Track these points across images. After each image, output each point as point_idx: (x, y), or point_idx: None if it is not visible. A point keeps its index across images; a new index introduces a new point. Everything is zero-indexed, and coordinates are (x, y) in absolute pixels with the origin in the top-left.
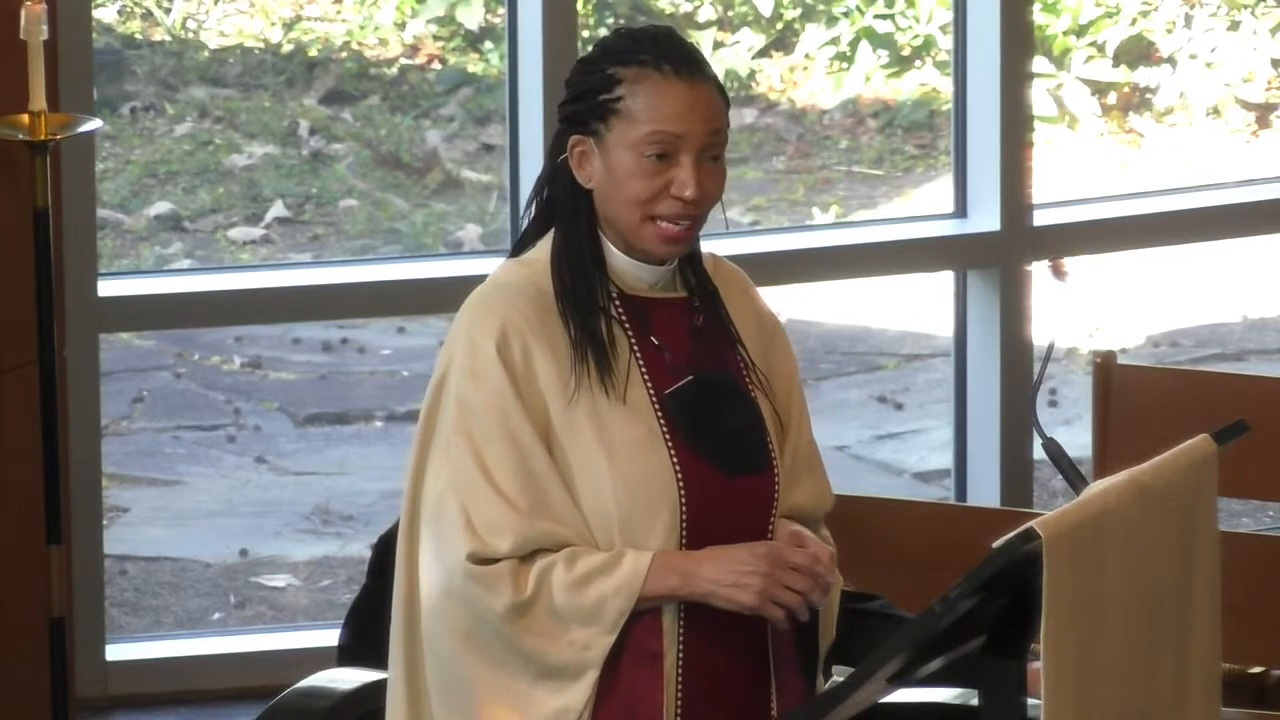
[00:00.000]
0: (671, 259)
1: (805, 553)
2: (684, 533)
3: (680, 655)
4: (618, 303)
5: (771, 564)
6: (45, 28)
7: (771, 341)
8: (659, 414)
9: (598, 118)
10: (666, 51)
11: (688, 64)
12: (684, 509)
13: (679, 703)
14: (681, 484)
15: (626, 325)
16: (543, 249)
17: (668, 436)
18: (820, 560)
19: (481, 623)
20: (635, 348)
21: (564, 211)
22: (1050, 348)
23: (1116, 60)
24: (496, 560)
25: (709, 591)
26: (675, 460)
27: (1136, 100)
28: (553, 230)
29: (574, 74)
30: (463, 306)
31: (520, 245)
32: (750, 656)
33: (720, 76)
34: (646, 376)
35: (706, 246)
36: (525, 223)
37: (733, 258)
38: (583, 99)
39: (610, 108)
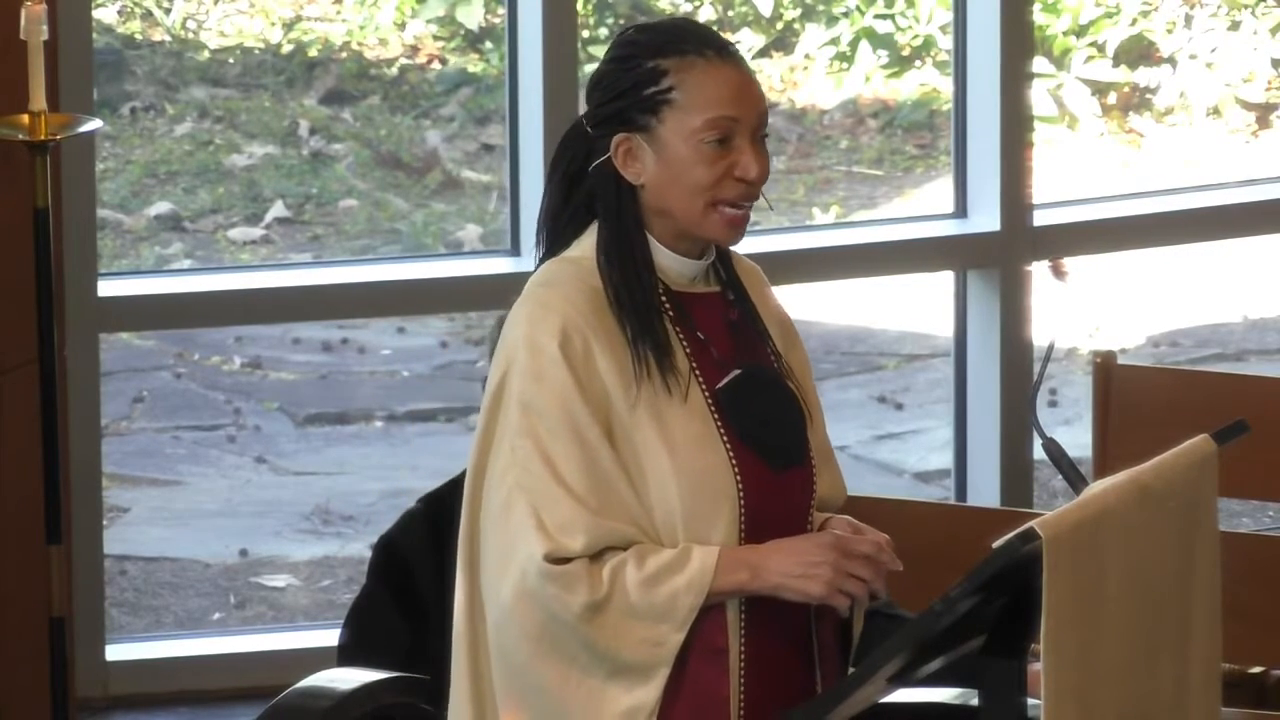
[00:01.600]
0: (732, 244)
1: (869, 541)
2: (743, 527)
3: (742, 648)
4: (664, 299)
5: (839, 554)
6: (45, 28)
7: (788, 334)
8: (712, 409)
9: (647, 111)
10: (705, 38)
11: (727, 47)
12: (743, 504)
13: (741, 695)
14: (739, 479)
15: (675, 322)
16: (582, 247)
17: (723, 432)
18: (883, 548)
19: (557, 622)
20: (685, 343)
21: (609, 211)
22: (1050, 348)
23: (1116, 60)
24: (569, 560)
25: (778, 584)
26: (731, 455)
27: (1136, 100)
28: (594, 228)
29: (607, 74)
30: (515, 310)
31: (553, 244)
32: (799, 645)
33: None
34: (698, 372)
35: None
36: (543, 226)
37: None
38: (626, 96)
39: (662, 99)
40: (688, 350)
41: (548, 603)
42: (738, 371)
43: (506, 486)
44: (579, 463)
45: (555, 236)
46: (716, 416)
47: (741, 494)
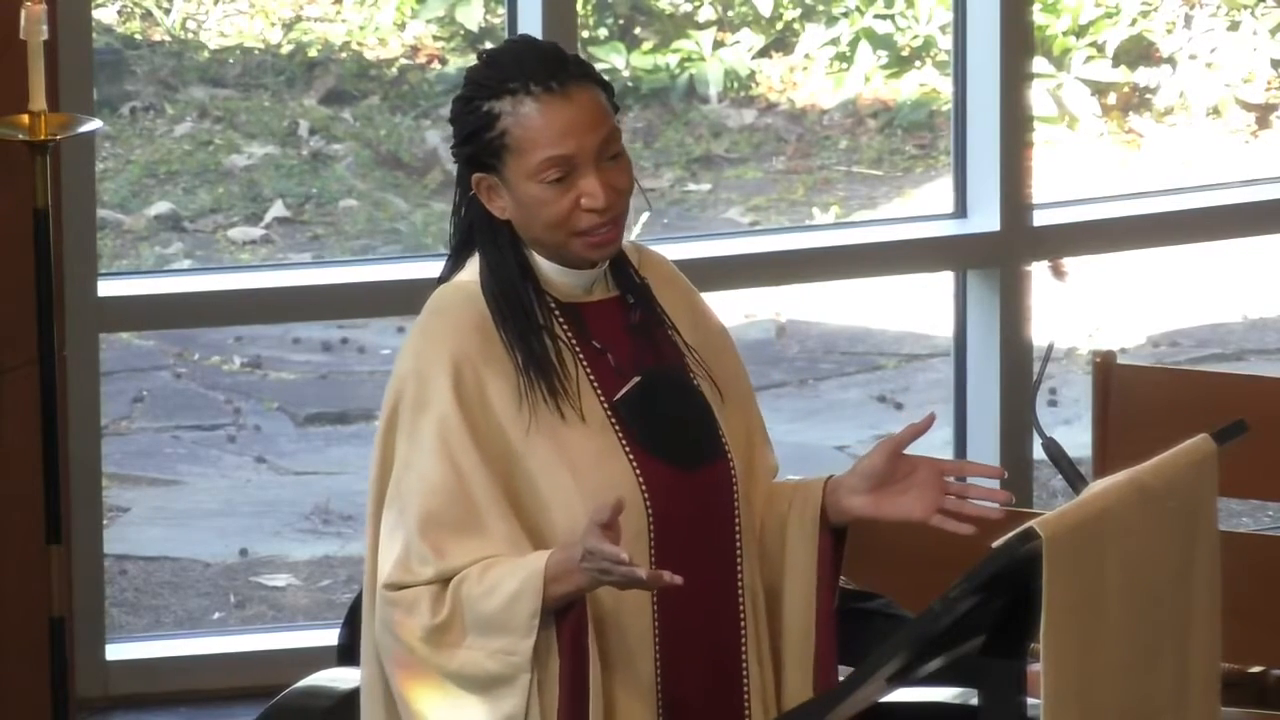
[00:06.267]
0: (606, 260)
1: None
2: (652, 535)
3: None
4: (557, 314)
5: (584, 551)
6: (45, 28)
7: (699, 315)
8: (612, 421)
9: (491, 155)
10: (532, 70)
11: (556, 76)
12: (650, 512)
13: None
14: (644, 488)
15: (570, 336)
16: (472, 270)
17: (624, 442)
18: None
19: (408, 649)
20: (581, 357)
21: (485, 240)
22: (1050, 348)
23: (1116, 60)
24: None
25: (584, 584)
26: (635, 465)
27: (1136, 100)
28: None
29: (455, 113)
30: (408, 338)
31: (451, 266)
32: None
33: (720, 76)
34: (595, 384)
35: (706, 247)
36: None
37: (733, 258)
38: (469, 141)
39: (499, 144)
40: (584, 364)
41: (394, 629)
42: (637, 379)
43: (391, 519)
44: (449, 490)
45: (454, 246)
46: (617, 428)
47: (648, 502)
